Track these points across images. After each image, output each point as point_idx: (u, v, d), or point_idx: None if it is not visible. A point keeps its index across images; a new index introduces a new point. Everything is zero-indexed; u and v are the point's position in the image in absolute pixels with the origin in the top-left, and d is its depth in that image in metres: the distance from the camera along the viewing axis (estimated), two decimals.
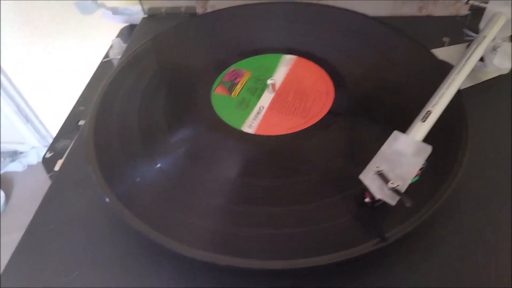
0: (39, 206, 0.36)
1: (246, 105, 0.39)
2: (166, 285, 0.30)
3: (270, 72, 0.42)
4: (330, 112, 0.37)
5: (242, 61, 0.44)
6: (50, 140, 1.36)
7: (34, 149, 1.38)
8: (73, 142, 0.44)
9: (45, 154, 0.48)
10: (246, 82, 0.41)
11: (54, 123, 1.24)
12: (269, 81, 0.39)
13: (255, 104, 0.39)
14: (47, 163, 0.47)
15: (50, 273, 0.31)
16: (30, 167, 1.37)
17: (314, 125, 0.36)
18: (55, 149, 0.48)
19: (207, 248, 0.28)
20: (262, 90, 0.40)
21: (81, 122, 0.49)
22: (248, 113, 0.38)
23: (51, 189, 0.37)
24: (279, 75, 0.42)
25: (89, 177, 0.36)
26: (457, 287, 0.28)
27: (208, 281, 0.30)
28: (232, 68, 0.43)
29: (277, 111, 0.38)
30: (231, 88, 0.40)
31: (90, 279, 0.30)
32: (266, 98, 0.40)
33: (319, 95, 0.39)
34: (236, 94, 0.40)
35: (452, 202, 0.32)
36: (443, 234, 0.31)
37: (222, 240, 0.29)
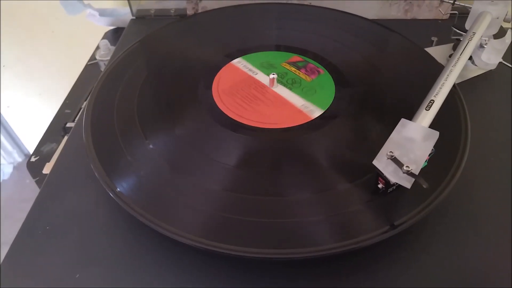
0: (32, 208, 0.34)
1: (266, 67, 0.43)
2: (176, 278, 0.29)
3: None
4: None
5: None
6: (17, 157, 1.31)
7: None
8: (63, 142, 0.42)
9: (29, 158, 0.46)
10: (302, 76, 0.42)
11: (26, 137, 1.18)
12: (271, 76, 0.40)
13: (261, 71, 0.43)
14: (32, 167, 0.45)
15: (49, 277, 0.29)
16: None
17: (234, 121, 0.37)
18: (40, 153, 0.46)
19: (225, 240, 0.28)
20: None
21: (69, 124, 0.47)
22: (253, 65, 0.43)
23: (44, 191, 0.35)
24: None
25: (84, 176, 0.35)
26: (457, 287, 0.28)
27: (219, 271, 0.29)
28: (322, 69, 0.43)
29: (243, 84, 0.41)
30: (295, 66, 0.43)
31: (92, 279, 0.29)
32: (264, 79, 0.42)
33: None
34: (283, 66, 0.43)
35: (451, 197, 0.32)
36: (441, 233, 0.31)
37: (231, 230, 0.29)
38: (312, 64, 0.43)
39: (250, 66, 0.43)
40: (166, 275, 0.29)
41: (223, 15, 0.51)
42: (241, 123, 0.37)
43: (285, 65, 0.43)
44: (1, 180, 1.30)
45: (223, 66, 0.43)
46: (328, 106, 0.38)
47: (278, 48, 0.46)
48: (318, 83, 0.41)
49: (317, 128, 0.36)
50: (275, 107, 0.38)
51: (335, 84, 0.41)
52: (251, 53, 0.45)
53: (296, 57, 0.44)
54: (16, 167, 1.32)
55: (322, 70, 0.42)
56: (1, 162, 1.30)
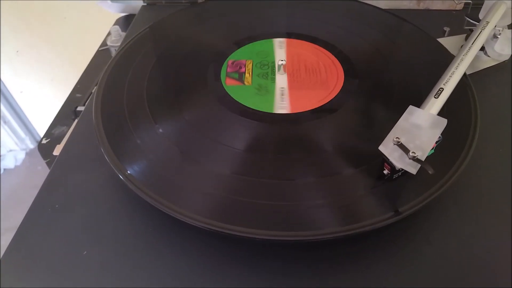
0: (42, 187, 0.34)
1: (266, 90, 0.39)
2: (181, 259, 0.29)
3: (269, 56, 0.43)
4: (347, 77, 0.39)
5: (237, 50, 0.44)
6: (29, 143, 1.33)
7: (11, 152, 1.33)
8: (73, 125, 0.43)
9: (41, 141, 0.47)
10: (252, 69, 0.41)
11: (38, 122, 1.20)
12: (279, 62, 0.40)
13: (274, 87, 0.39)
14: (43, 149, 0.46)
15: (57, 253, 0.30)
16: (6, 170, 1.32)
17: (340, 93, 0.38)
18: (51, 136, 0.47)
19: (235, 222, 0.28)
20: (273, 73, 0.41)
21: (80, 108, 0.47)
22: (273, 97, 0.38)
23: (54, 171, 0.36)
24: (280, 57, 0.42)
25: (92, 158, 0.36)
26: (457, 287, 0.28)
27: (225, 252, 0.29)
28: (230, 60, 0.42)
29: (298, 89, 0.39)
30: (240, 78, 0.40)
31: (99, 257, 0.29)
32: (282, 80, 0.40)
33: (328, 67, 0.40)
34: (250, 82, 0.40)
35: (456, 186, 0.32)
36: (444, 223, 0.31)
37: (239, 212, 0.29)
38: (231, 60, 0.42)
39: (273, 95, 0.39)
40: (172, 256, 0.29)
41: (233, 2, 0.51)
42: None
43: (247, 78, 0.41)
44: (13, 166, 1.32)
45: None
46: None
47: (289, 35, 0.46)
48: (255, 56, 0.43)
49: (322, 115, 0.36)
50: (312, 56, 0.41)
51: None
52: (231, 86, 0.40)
53: (229, 79, 0.40)
54: (29, 154, 1.34)
55: (243, 60, 0.42)
56: (14, 149, 1.32)
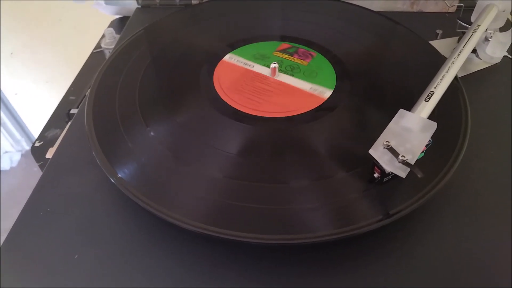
0: (34, 190, 0.34)
1: (261, 59, 0.43)
2: (173, 261, 0.29)
3: (313, 76, 0.41)
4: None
5: (323, 58, 0.43)
6: (25, 145, 1.33)
7: (7, 154, 1.33)
8: (66, 128, 0.43)
9: (34, 143, 0.46)
10: (296, 62, 0.42)
11: (33, 124, 1.20)
12: (272, 65, 0.40)
13: (261, 64, 0.42)
14: (36, 152, 0.46)
15: (49, 257, 0.30)
16: (2, 172, 1.31)
17: (234, 109, 0.37)
18: (45, 138, 0.47)
19: (217, 224, 0.28)
20: (281, 67, 0.42)
21: (73, 111, 0.47)
22: (246, 58, 0.43)
23: (46, 174, 0.36)
24: (316, 89, 0.40)
25: (85, 161, 0.36)
26: (457, 287, 0.28)
27: (218, 256, 0.29)
28: (314, 52, 0.44)
29: (244, 78, 0.41)
30: (287, 53, 0.44)
31: (91, 261, 0.29)
32: (263, 70, 0.42)
33: (272, 109, 0.38)
34: (276, 56, 0.43)
35: (448, 189, 0.32)
36: (436, 225, 0.31)
37: (231, 216, 0.29)
38: (302, 48, 0.44)
39: (243, 60, 0.43)
40: (164, 259, 0.29)
41: (227, 5, 0.51)
42: (239, 110, 0.37)
43: (277, 53, 0.44)
44: (9, 168, 1.32)
45: (220, 59, 0.43)
46: (335, 84, 0.39)
47: (283, 39, 0.46)
48: (315, 65, 0.42)
49: (316, 119, 0.36)
50: (286, 95, 0.39)
51: (333, 68, 0.41)
52: (240, 47, 0.45)
53: (284, 44, 0.45)
54: (24, 155, 1.34)
55: (314, 53, 0.44)
56: (10, 150, 1.32)
